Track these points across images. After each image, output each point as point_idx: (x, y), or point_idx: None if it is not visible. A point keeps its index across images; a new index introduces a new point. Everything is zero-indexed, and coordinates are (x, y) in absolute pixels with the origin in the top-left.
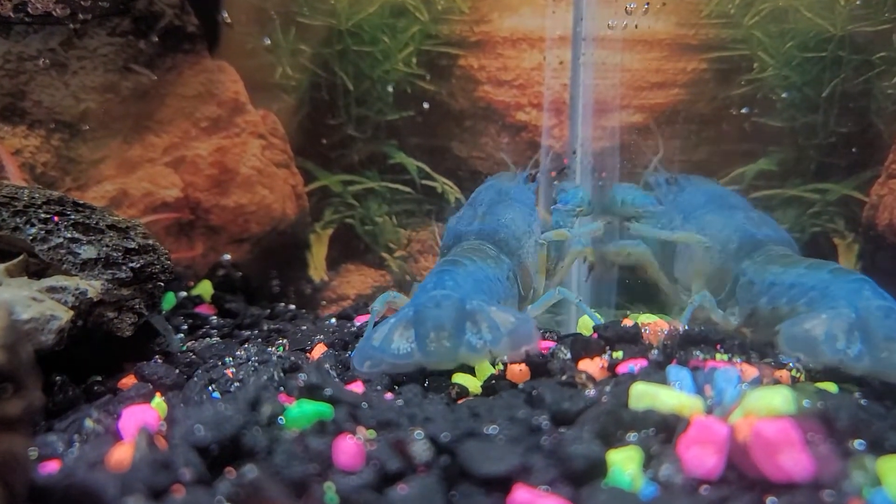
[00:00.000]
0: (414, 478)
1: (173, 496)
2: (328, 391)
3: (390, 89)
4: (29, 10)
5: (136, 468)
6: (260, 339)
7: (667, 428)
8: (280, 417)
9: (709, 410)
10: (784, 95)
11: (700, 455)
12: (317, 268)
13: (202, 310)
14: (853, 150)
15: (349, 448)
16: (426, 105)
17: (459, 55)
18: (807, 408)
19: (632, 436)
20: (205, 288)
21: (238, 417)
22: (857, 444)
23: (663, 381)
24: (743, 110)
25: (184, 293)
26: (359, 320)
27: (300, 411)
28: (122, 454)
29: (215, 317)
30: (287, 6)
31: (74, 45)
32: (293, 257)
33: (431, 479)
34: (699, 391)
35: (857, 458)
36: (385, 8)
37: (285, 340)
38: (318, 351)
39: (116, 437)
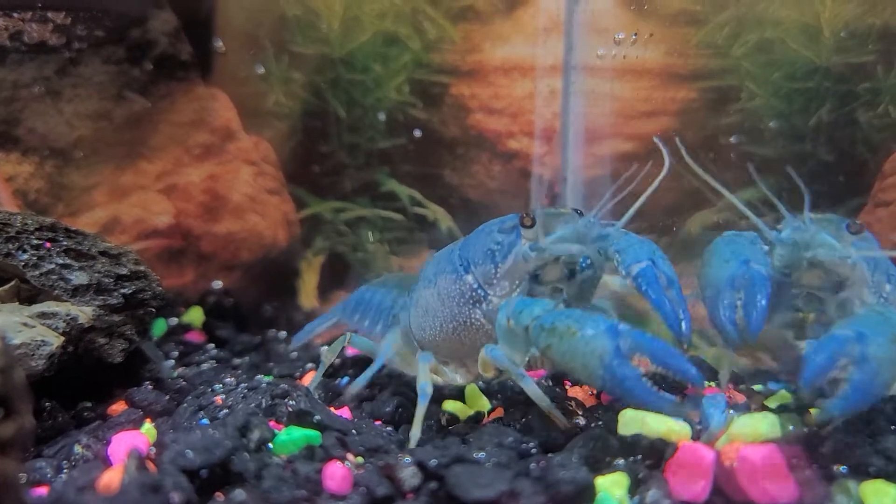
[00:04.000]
0: (402, 503)
1: None
2: (317, 417)
3: (382, 117)
4: (25, 38)
5: (126, 491)
6: (250, 366)
7: (654, 453)
8: (269, 444)
9: (696, 436)
10: (772, 124)
11: (687, 480)
12: (308, 295)
13: (193, 336)
14: (840, 178)
15: (337, 473)
16: (418, 133)
17: (451, 83)
18: (792, 433)
19: (619, 461)
20: (195, 314)
21: (227, 442)
22: (841, 469)
23: None
24: (732, 139)
25: (175, 319)
26: (350, 351)
27: (289, 437)
28: (111, 478)
29: (206, 343)
30: (280, 35)
31: (69, 73)
32: (284, 284)
33: None
34: (686, 417)
35: (840, 482)
36: (377, 37)
37: (275, 367)
38: (308, 378)
39: (106, 462)
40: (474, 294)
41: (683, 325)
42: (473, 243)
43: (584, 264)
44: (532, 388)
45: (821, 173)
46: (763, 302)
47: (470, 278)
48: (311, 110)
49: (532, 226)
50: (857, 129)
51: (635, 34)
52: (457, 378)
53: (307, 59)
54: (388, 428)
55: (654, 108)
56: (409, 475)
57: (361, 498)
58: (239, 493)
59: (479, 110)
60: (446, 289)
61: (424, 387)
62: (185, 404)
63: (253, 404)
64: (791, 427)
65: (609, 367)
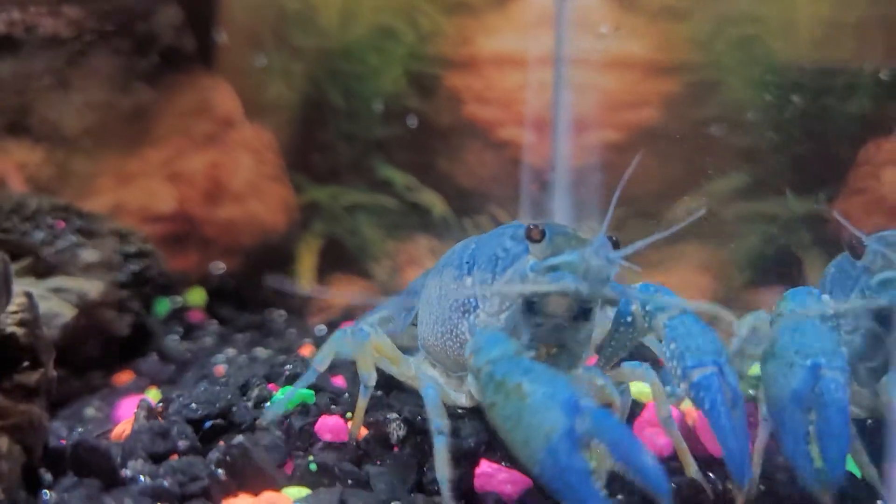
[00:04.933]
0: (390, 454)
1: (170, 461)
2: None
3: (378, 107)
4: (39, 32)
5: (137, 436)
6: (250, 341)
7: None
8: (267, 403)
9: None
10: (750, 116)
11: (653, 434)
12: (306, 278)
13: (195, 316)
14: (816, 167)
15: (332, 423)
16: (413, 123)
17: (445, 75)
18: (749, 395)
19: None
20: (198, 295)
21: (228, 396)
22: None
23: None
24: (713, 129)
25: (179, 300)
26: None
27: (284, 395)
28: (123, 429)
29: (208, 321)
30: (280, 28)
31: (78, 64)
32: (283, 267)
33: (406, 455)
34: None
35: None
36: (373, 30)
37: (274, 342)
38: (306, 351)
39: (115, 423)
40: (467, 301)
41: (744, 466)
42: (487, 242)
43: (624, 317)
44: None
45: (798, 163)
46: (843, 429)
47: (468, 282)
48: (311, 100)
49: (540, 240)
50: (832, 121)
51: (617, 28)
52: (461, 399)
53: (306, 52)
54: (379, 392)
55: (638, 99)
56: (395, 429)
57: (353, 448)
58: (238, 438)
59: (471, 101)
60: (447, 285)
61: (440, 427)
62: (188, 373)
63: (253, 371)
64: (750, 391)
65: (553, 450)
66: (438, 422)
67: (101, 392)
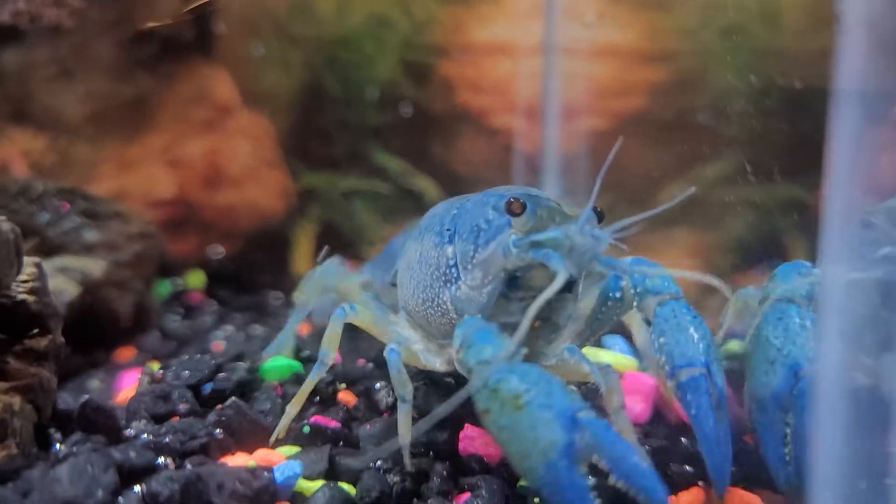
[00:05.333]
0: (379, 419)
1: (171, 421)
2: (306, 352)
3: (374, 95)
4: (43, 22)
5: (140, 399)
6: (248, 320)
7: None
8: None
9: (641, 368)
10: (737, 104)
11: (630, 402)
12: (303, 260)
13: (195, 297)
14: (799, 154)
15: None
16: (408, 110)
17: (438, 63)
18: (727, 366)
19: (572, 387)
20: (198, 278)
21: (224, 364)
22: None
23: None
24: (699, 117)
25: (179, 281)
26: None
27: (274, 364)
28: (126, 394)
29: (207, 303)
30: (278, 17)
31: (81, 54)
32: (281, 251)
33: (395, 419)
34: (633, 353)
35: None
36: (369, 19)
37: (271, 320)
38: (303, 330)
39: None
40: (448, 271)
41: (725, 475)
42: (470, 210)
43: (613, 292)
44: (404, 417)
45: (781, 150)
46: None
47: (450, 251)
48: (308, 88)
49: (521, 214)
50: (815, 109)
51: (601, 16)
52: (435, 363)
53: (303, 41)
54: (370, 364)
55: (626, 87)
56: (383, 396)
57: (343, 412)
58: (232, 399)
59: (464, 89)
60: (427, 251)
61: (402, 395)
62: (188, 349)
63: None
64: (725, 362)
65: (553, 466)
66: (401, 390)
67: (105, 367)
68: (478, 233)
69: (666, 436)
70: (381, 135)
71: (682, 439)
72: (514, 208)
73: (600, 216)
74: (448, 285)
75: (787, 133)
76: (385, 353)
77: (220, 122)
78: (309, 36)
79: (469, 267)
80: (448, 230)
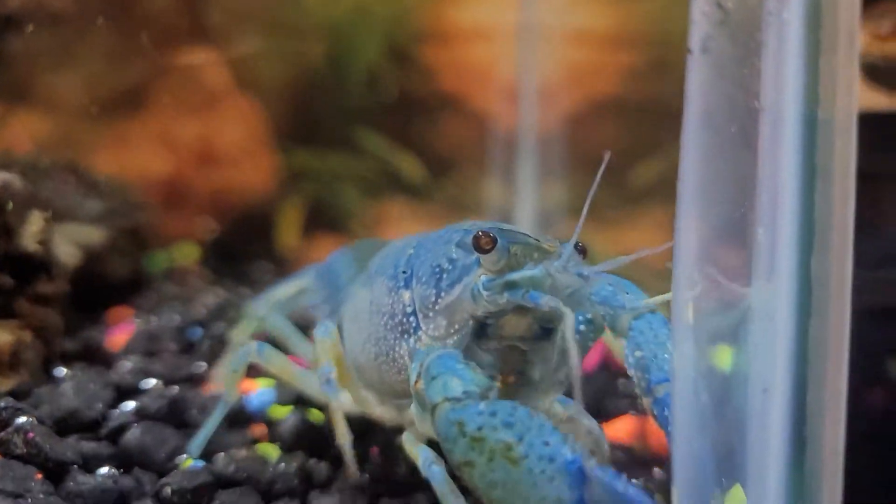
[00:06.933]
0: None
1: (161, 356)
2: None
3: (359, 79)
4: (46, 9)
5: (134, 339)
6: (238, 284)
7: None
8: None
9: None
10: None
11: None
12: (291, 237)
13: (189, 268)
14: None
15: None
16: (392, 93)
17: (420, 48)
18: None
19: None
20: (191, 250)
21: (208, 312)
22: None
23: None
24: (673, 100)
25: (173, 255)
26: None
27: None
28: (119, 339)
29: (200, 272)
30: (269, 6)
31: (83, 40)
32: (270, 227)
33: None
34: None
35: None
36: (355, 6)
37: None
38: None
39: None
40: (405, 320)
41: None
42: (430, 249)
43: (580, 324)
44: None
45: None
46: None
47: (407, 297)
48: (297, 73)
49: (490, 250)
50: None
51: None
52: (384, 414)
53: (292, 28)
54: None
55: (601, 71)
56: None
57: None
58: (218, 339)
59: (445, 73)
60: (380, 297)
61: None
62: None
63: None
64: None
65: None
66: (326, 367)
67: (103, 323)
68: (440, 275)
69: (606, 379)
70: (366, 118)
71: (620, 380)
72: (483, 244)
73: (583, 251)
74: (405, 337)
75: None
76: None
77: (213, 106)
78: (298, 23)
79: (430, 315)
80: (404, 273)
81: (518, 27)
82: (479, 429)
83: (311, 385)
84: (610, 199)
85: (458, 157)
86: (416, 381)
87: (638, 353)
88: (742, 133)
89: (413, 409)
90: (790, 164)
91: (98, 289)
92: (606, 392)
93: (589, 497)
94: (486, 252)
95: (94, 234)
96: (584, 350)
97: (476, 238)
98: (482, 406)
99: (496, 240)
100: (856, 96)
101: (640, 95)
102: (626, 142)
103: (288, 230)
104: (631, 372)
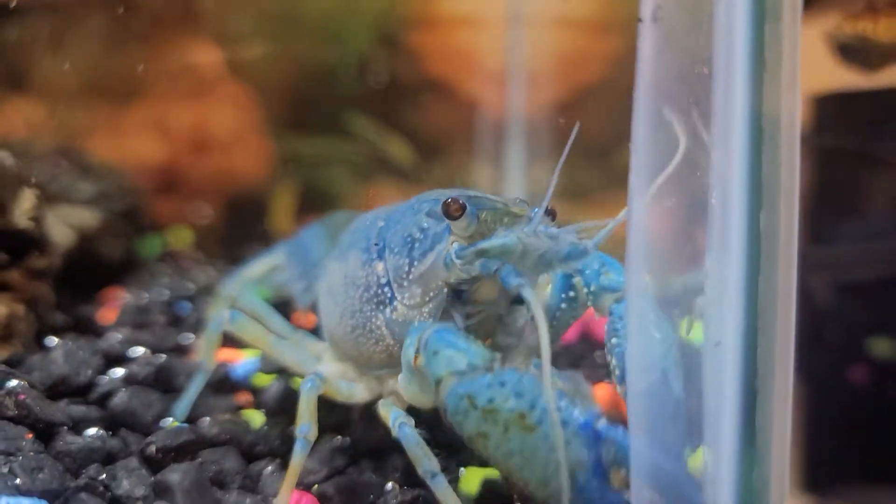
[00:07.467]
0: None
1: (152, 327)
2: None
3: (350, 65)
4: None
5: (124, 312)
6: (230, 265)
7: None
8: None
9: None
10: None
11: None
12: (284, 220)
13: (183, 252)
14: None
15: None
16: (383, 79)
17: (410, 34)
18: None
19: None
20: (185, 235)
21: (196, 287)
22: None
23: None
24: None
25: (167, 240)
26: None
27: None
28: (109, 313)
29: (194, 255)
30: None
31: (77, 27)
32: (263, 211)
33: None
34: None
35: None
36: None
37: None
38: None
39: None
40: (380, 291)
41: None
42: (400, 220)
43: (566, 292)
44: (297, 457)
45: None
46: None
47: (381, 268)
48: (289, 59)
49: (460, 216)
50: None
51: None
52: (354, 394)
53: (283, 14)
54: None
55: (588, 57)
56: None
57: None
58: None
59: (434, 58)
60: (353, 271)
61: (305, 430)
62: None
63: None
64: None
65: (584, 489)
66: (305, 425)
67: (95, 302)
68: (412, 244)
69: (584, 350)
70: (357, 103)
71: (597, 352)
72: (452, 211)
73: (552, 214)
74: (381, 308)
75: None
76: (301, 385)
77: (206, 92)
78: (289, 10)
79: (405, 284)
80: (376, 245)
81: (506, 14)
82: (490, 401)
83: (285, 353)
84: (598, 181)
85: (447, 141)
86: (415, 356)
87: (614, 341)
88: (692, 98)
89: (400, 380)
90: (739, 127)
91: (91, 269)
92: (583, 360)
93: (607, 455)
94: (455, 218)
95: (88, 217)
96: (565, 326)
97: (445, 205)
98: (490, 377)
99: (465, 206)
100: (798, 59)
101: (628, 80)
102: (614, 125)
103: (281, 214)
104: (608, 357)
